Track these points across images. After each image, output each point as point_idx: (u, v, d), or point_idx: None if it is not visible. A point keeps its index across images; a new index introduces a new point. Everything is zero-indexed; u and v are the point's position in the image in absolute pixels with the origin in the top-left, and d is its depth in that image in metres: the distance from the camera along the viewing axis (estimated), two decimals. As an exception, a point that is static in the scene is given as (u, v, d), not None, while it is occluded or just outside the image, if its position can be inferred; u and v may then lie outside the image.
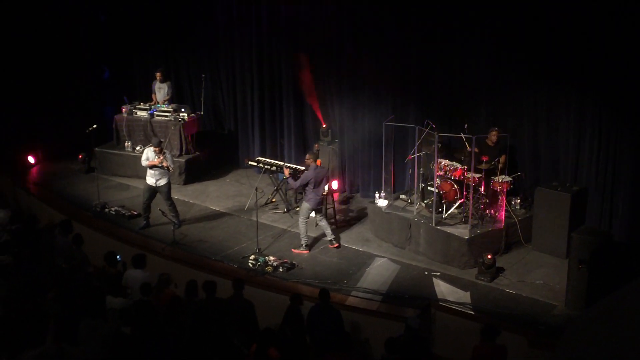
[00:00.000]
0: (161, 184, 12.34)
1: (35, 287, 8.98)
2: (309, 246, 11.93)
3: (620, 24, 10.44)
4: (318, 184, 11.74)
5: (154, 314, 8.11)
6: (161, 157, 12.14)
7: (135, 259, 9.79)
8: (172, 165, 12.38)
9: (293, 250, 11.85)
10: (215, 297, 9.04)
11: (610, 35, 10.58)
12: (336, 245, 11.99)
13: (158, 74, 15.25)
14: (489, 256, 10.72)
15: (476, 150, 11.36)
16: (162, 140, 12.92)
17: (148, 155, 12.34)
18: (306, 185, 11.71)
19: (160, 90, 15.34)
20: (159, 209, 12.43)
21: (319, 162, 12.23)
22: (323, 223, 12.02)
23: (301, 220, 11.87)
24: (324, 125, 14.30)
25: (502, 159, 11.70)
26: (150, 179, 12.34)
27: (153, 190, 12.43)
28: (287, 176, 12.20)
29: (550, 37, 11.30)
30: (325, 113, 14.38)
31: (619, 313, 4.53)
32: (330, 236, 11.98)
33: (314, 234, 12.26)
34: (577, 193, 11.26)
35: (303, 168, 13.63)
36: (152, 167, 12.23)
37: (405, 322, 8.93)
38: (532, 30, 11.45)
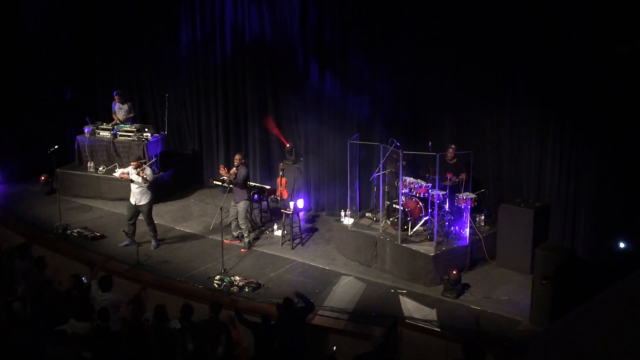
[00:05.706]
0: (141, 203, 12.24)
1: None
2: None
3: (580, 46, 10.61)
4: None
5: (114, 340, 7.99)
6: (126, 171, 12.14)
7: (102, 281, 9.54)
8: (148, 178, 12.15)
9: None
10: (191, 321, 8.92)
11: (571, 56, 10.75)
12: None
13: (116, 97, 15.15)
14: (454, 272, 10.78)
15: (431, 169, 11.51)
16: (140, 155, 12.85)
17: (129, 170, 12.27)
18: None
19: (121, 110, 15.23)
20: (122, 230, 12.34)
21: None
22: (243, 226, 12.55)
23: (244, 221, 12.44)
24: (288, 145, 14.31)
25: (464, 176, 11.80)
26: (132, 197, 12.25)
27: (135, 210, 12.30)
28: (227, 177, 12.33)
29: (512, 57, 11.46)
30: (289, 132, 14.40)
31: (582, 328, 4.57)
32: (245, 241, 12.60)
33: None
34: (539, 209, 11.38)
35: (269, 187, 13.65)
36: (133, 185, 12.16)
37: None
38: (495, 50, 11.61)
